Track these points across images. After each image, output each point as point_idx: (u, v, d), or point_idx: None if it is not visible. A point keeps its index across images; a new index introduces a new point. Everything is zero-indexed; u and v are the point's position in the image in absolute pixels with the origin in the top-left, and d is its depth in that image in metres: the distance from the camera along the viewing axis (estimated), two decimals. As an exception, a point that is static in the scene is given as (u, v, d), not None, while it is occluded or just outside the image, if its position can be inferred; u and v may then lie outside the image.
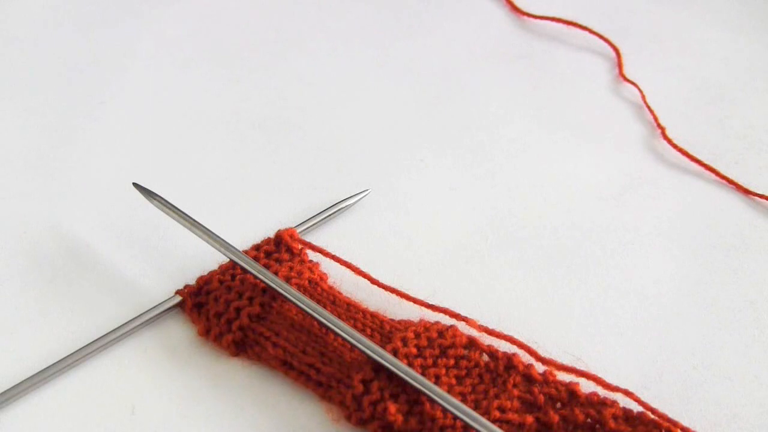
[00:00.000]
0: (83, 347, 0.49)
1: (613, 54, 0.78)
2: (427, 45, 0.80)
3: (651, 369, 0.50)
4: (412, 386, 0.45)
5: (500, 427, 0.44)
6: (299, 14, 0.83)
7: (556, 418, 0.45)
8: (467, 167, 0.65)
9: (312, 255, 0.55)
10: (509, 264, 0.57)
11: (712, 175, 0.65)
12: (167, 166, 0.64)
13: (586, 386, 0.47)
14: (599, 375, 0.47)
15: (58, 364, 0.48)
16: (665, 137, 0.68)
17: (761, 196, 0.63)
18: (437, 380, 0.47)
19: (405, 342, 0.48)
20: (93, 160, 0.64)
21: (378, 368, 0.46)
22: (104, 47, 0.77)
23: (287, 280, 0.52)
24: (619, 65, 0.77)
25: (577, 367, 0.47)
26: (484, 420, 0.43)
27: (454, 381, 0.47)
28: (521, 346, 0.49)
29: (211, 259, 0.54)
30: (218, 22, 0.82)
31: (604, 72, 0.77)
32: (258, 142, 0.67)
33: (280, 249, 0.54)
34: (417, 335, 0.48)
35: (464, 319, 0.50)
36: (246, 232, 0.57)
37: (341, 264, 0.54)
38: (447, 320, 0.51)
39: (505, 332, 0.50)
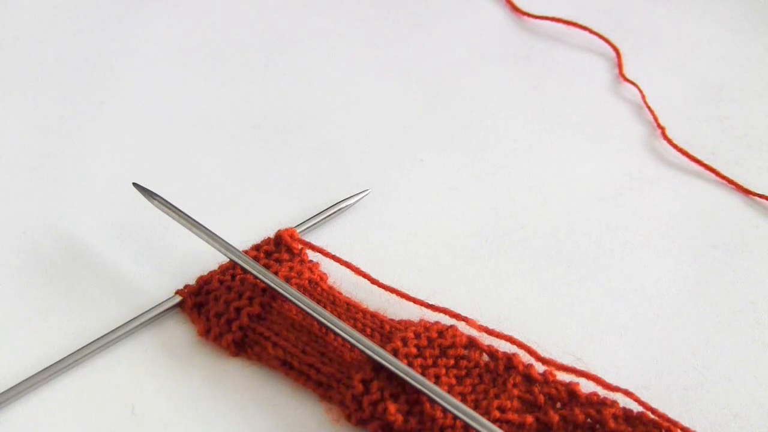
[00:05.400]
0: (83, 347, 0.49)
1: (613, 54, 0.78)
2: (427, 45, 0.80)
3: (651, 369, 0.50)
4: (412, 386, 0.45)
5: (500, 427, 0.44)
6: (299, 14, 0.83)
7: (556, 418, 0.45)
8: (467, 167, 0.65)
9: (312, 255, 0.55)
10: (509, 264, 0.57)
11: (712, 175, 0.65)
12: (167, 166, 0.64)
13: (586, 386, 0.47)
14: (599, 375, 0.47)
15: (58, 364, 0.48)
16: (665, 137, 0.68)
17: (761, 196, 0.63)
18: (437, 380, 0.47)
19: (405, 342, 0.48)
20: (93, 160, 0.64)
21: (378, 368, 0.46)
22: (104, 47, 0.77)
23: (287, 280, 0.52)
24: (619, 65, 0.77)
25: (577, 367, 0.47)
26: (484, 420, 0.43)
27: (454, 381, 0.47)
28: (521, 346, 0.49)
29: (211, 259, 0.54)
30: (218, 22, 0.82)
31: (604, 72, 0.77)
32: (258, 142, 0.67)
33: (280, 249, 0.54)
34: (417, 335, 0.48)
35: (464, 319, 0.50)
36: (246, 232, 0.57)
37: (341, 264, 0.54)
38: (447, 320, 0.51)
39: (505, 332, 0.50)
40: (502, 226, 0.60)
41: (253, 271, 0.50)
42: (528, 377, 0.47)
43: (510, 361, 0.48)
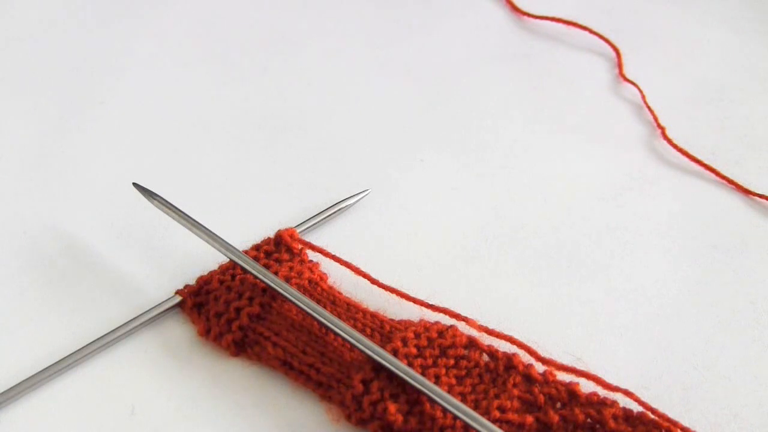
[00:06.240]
0: (83, 347, 0.49)
1: (613, 54, 0.78)
2: (427, 45, 0.80)
3: (651, 369, 0.50)
4: (412, 386, 0.45)
5: (500, 427, 0.44)
6: (299, 14, 0.83)
7: (556, 418, 0.45)
8: (467, 167, 0.65)
9: (312, 255, 0.55)
10: (509, 264, 0.57)
11: (712, 175, 0.65)
12: (167, 166, 0.64)
13: (586, 386, 0.47)
14: (599, 375, 0.47)
15: (58, 364, 0.48)
16: (665, 137, 0.68)
17: (761, 196, 0.63)
18: (437, 380, 0.47)
19: (405, 342, 0.48)
20: (93, 160, 0.64)
21: (378, 368, 0.46)
22: (104, 47, 0.77)
23: (287, 280, 0.52)
24: (619, 65, 0.77)
25: (577, 367, 0.47)
26: (484, 420, 0.43)
27: (454, 381, 0.47)
28: (521, 346, 0.49)
29: (211, 259, 0.54)
30: (218, 22, 0.82)
31: (604, 72, 0.77)
32: (258, 142, 0.67)
33: (280, 249, 0.54)
34: (417, 335, 0.48)
35: (464, 319, 0.50)
36: (246, 232, 0.57)
37: (341, 264, 0.54)
38: (447, 320, 0.51)
39: (505, 332, 0.50)
40: (502, 226, 0.60)
41: (253, 271, 0.50)
42: (528, 377, 0.47)
43: (510, 361, 0.48)
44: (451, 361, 0.48)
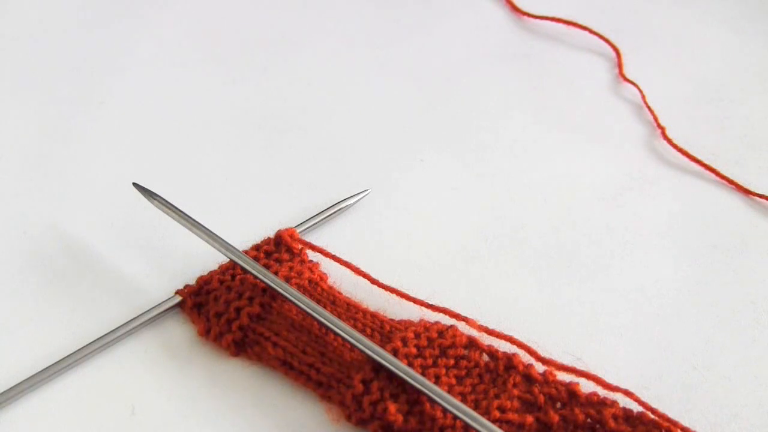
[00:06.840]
0: (83, 347, 0.49)
1: (613, 54, 0.78)
2: (427, 45, 0.80)
3: (651, 369, 0.50)
4: (412, 386, 0.45)
5: (500, 427, 0.44)
6: (299, 14, 0.83)
7: (556, 418, 0.45)
8: (467, 167, 0.65)
9: (312, 255, 0.55)
10: (509, 264, 0.57)
11: (712, 175, 0.65)
12: (167, 166, 0.64)
13: (586, 386, 0.47)
14: (599, 375, 0.47)
15: (58, 364, 0.48)
16: (665, 137, 0.68)
17: (761, 196, 0.63)
18: (437, 380, 0.47)
19: (405, 342, 0.48)
20: (93, 160, 0.64)
21: (378, 368, 0.46)
22: (104, 47, 0.77)
23: (287, 280, 0.52)
24: (619, 65, 0.77)
25: (577, 367, 0.47)
26: (484, 420, 0.43)
27: (454, 381, 0.47)
28: (521, 346, 0.49)
29: (211, 259, 0.54)
30: (218, 22, 0.82)
31: (604, 72, 0.77)
32: (258, 142, 0.67)
33: (280, 249, 0.55)
34: (417, 335, 0.48)
35: (464, 319, 0.50)
36: (246, 232, 0.57)
37: (341, 264, 0.54)
38: (447, 320, 0.51)
39: (505, 332, 0.50)
40: (502, 226, 0.60)
41: (253, 271, 0.50)
42: (528, 377, 0.47)
43: (510, 361, 0.48)
44: (451, 361, 0.48)
